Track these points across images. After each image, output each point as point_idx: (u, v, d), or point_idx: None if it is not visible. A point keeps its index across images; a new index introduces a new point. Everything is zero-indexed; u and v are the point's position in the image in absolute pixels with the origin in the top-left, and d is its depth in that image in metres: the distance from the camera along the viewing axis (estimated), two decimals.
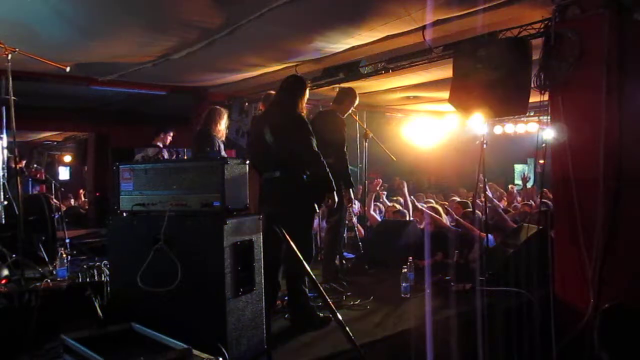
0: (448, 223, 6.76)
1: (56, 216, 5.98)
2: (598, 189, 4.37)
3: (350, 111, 6.16)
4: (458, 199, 8.42)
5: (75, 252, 6.44)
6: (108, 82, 7.95)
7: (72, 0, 4.67)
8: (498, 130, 11.26)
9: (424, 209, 7.37)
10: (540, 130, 6.39)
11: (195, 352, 2.86)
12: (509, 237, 5.89)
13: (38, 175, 8.54)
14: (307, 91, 4.80)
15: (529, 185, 11.31)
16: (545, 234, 4.99)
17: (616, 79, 4.36)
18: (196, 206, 3.54)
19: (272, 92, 5.64)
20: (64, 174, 15.68)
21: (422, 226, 6.95)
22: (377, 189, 8.32)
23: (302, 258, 3.89)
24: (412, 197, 8.58)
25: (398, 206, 8.02)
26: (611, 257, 4.35)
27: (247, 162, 3.74)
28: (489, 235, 5.90)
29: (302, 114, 4.63)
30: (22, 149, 4.87)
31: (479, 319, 4.49)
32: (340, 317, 3.71)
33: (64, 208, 8.73)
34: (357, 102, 6.15)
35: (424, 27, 5.53)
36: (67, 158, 15.02)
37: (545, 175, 5.84)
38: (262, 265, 3.73)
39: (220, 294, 3.36)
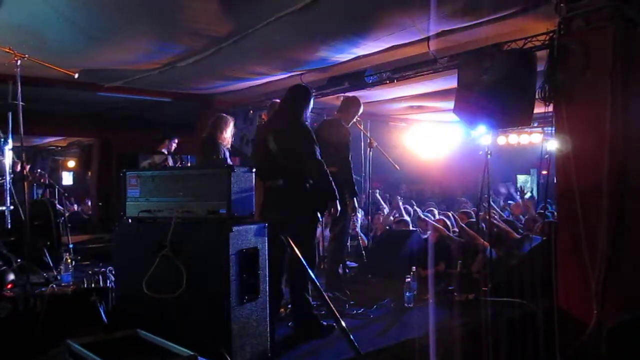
0: (451, 232, 6.76)
1: (60, 221, 5.99)
2: (602, 200, 4.37)
3: (354, 120, 6.19)
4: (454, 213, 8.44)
5: (79, 257, 6.45)
6: (114, 89, 7.99)
7: (81, 8, 4.70)
8: (501, 140, 11.27)
9: (428, 219, 7.37)
10: (544, 141, 6.43)
11: (201, 358, 2.86)
12: (513, 248, 5.89)
13: (42, 180, 8.54)
14: (312, 100, 4.83)
15: (527, 197, 11.35)
16: (549, 245, 4.99)
17: (621, 91, 4.37)
18: (202, 213, 3.56)
19: (278, 100, 5.68)
20: (67, 179, 15.71)
21: (425, 236, 6.95)
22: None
23: (306, 266, 3.90)
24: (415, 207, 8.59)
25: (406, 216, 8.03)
26: (615, 268, 4.34)
27: (254, 170, 3.76)
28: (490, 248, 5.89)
29: (306, 122, 4.67)
30: (27, 154, 4.90)
31: (483, 329, 4.48)
32: (344, 324, 3.72)
33: (67, 213, 8.74)
34: (361, 110, 6.18)
35: (429, 38, 5.56)
36: (71, 163, 15.03)
37: (547, 186, 5.85)
38: (267, 273, 3.74)
39: (225, 301, 3.38)
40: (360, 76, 6.89)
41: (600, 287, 4.37)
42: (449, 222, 7.20)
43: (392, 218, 8.13)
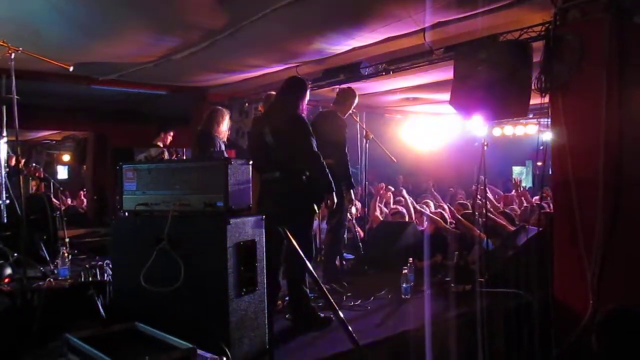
0: (448, 224, 6.77)
1: (57, 215, 5.98)
2: (598, 191, 4.39)
3: (350, 111, 6.17)
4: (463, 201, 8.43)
5: (76, 251, 6.44)
6: (108, 82, 7.96)
7: (75, 1, 4.68)
8: (497, 132, 11.27)
9: (423, 211, 7.38)
10: (539, 132, 6.42)
11: (200, 351, 2.87)
12: (509, 239, 5.91)
13: (37, 174, 8.52)
14: (308, 92, 4.82)
15: (525, 185, 11.35)
16: (545, 236, 5.01)
17: (616, 81, 4.38)
18: (199, 206, 3.55)
19: (273, 93, 5.66)
20: (62, 173, 15.67)
21: (422, 228, 6.97)
22: (381, 192, 8.28)
23: (304, 257, 3.91)
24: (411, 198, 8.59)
25: (401, 207, 8.01)
26: (611, 259, 4.37)
27: (251, 162, 3.75)
28: (487, 239, 5.89)
29: (303, 114, 4.66)
30: (21, 148, 4.85)
31: (479, 320, 4.51)
32: (342, 315, 3.72)
33: (63, 207, 8.71)
34: (356, 101, 6.15)
35: (424, 29, 5.54)
36: (66, 157, 14.99)
37: (542, 177, 5.86)
38: (265, 266, 3.75)
39: (223, 294, 3.38)
40: (355, 68, 6.87)
41: (596, 278, 4.40)
42: (445, 214, 7.22)
43: (379, 205, 8.10)
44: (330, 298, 3.86)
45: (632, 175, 4.34)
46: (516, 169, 14.30)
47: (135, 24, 5.29)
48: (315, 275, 3.94)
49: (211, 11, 4.90)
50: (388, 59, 6.64)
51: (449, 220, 7.02)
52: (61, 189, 8.57)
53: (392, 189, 8.91)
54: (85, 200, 12.45)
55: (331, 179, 4.54)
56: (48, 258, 5.36)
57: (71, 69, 4.79)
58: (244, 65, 7.15)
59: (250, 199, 3.74)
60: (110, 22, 5.15)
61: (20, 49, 4.42)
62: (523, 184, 11.40)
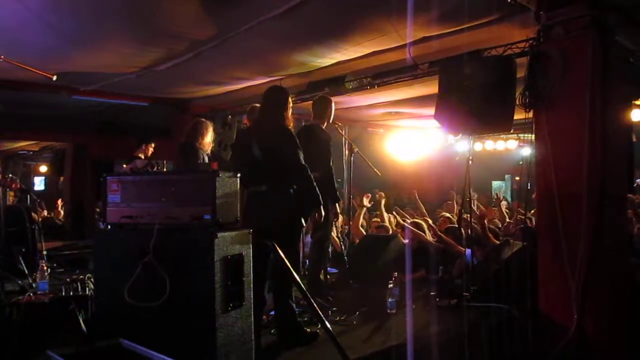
0: (431, 238, 6.77)
1: (35, 227, 5.85)
2: (581, 205, 4.43)
3: (332, 118, 6.06)
4: (447, 214, 8.43)
5: (54, 264, 6.30)
6: (89, 92, 7.86)
7: (58, 10, 4.61)
8: (478, 147, 11.36)
9: (405, 224, 7.37)
10: (519, 147, 6.48)
11: None
12: (493, 253, 5.93)
13: (14, 186, 8.34)
14: (291, 101, 4.77)
15: (505, 203, 11.45)
16: (528, 251, 5.03)
17: (599, 97, 4.45)
18: (186, 219, 3.48)
19: (257, 105, 5.61)
20: (39, 184, 15.42)
21: (405, 241, 6.95)
22: (366, 203, 8.24)
23: (293, 271, 3.87)
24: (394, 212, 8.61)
25: (388, 220, 7.99)
26: (595, 273, 4.40)
27: (238, 175, 3.71)
28: (469, 250, 5.87)
29: (290, 126, 4.63)
30: None
31: (466, 334, 4.50)
32: (329, 326, 3.69)
33: (39, 219, 8.54)
34: (334, 107, 6.04)
35: (409, 44, 5.57)
36: (43, 168, 14.76)
37: (520, 192, 5.91)
38: (252, 280, 3.69)
39: (209, 309, 3.31)
40: (340, 81, 6.88)
41: (580, 292, 4.43)
42: (424, 224, 7.20)
43: (362, 220, 8.06)
44: (319, 310, 3.83)
45: (614, 187, 4.41)
46: (495, 184, 14.43)
47: (120, 34, 5.23)
48: (304, 289, 3.90)
49: (197, 22, 4.87)
50: (373, 73, 6.67)
51: (427, 231, 6.98)
52: (38, 200, 8.41)
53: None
54: (62, 211, 12.21)
55: (318, 192, 4.51)
56: (26, 271, 5.22)
57: (55, 78, 4.71)
58: (228, 78, 7.11)
59: (238, 212, 3.69)
60: (94, 31, 5.08)
61: (2, 57, 4.34)
62: (503, 201, 11.50)
